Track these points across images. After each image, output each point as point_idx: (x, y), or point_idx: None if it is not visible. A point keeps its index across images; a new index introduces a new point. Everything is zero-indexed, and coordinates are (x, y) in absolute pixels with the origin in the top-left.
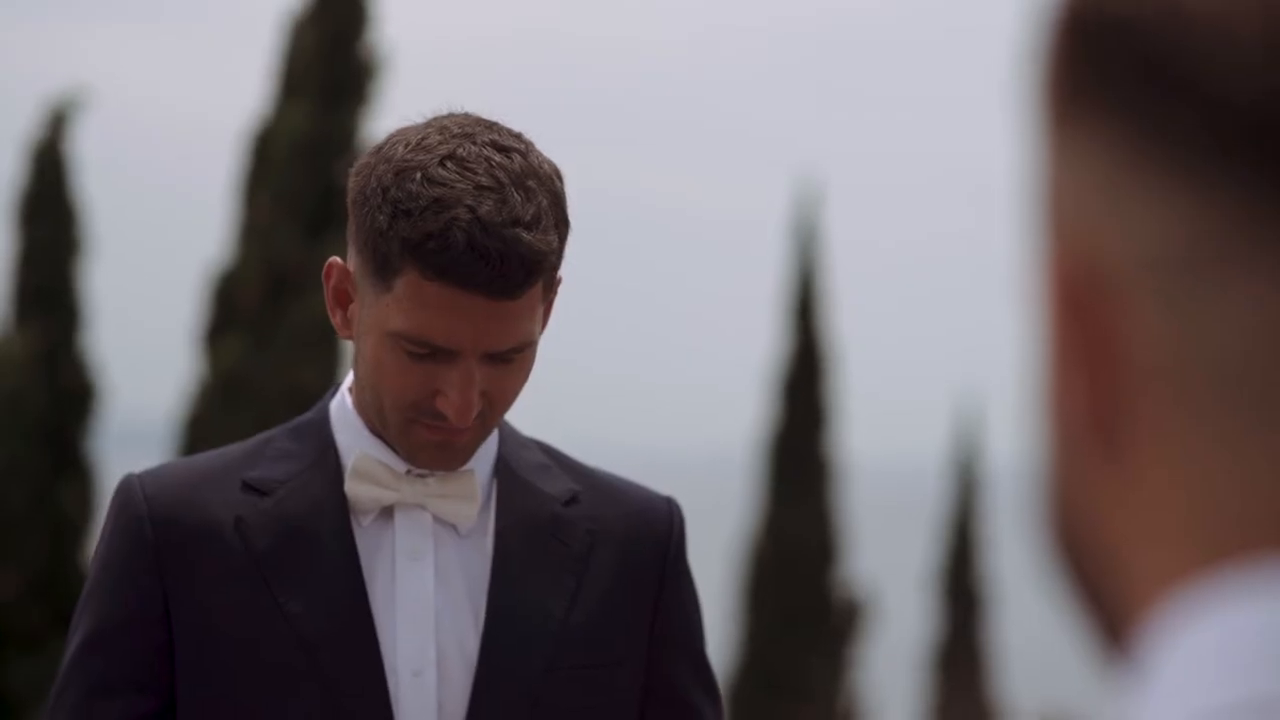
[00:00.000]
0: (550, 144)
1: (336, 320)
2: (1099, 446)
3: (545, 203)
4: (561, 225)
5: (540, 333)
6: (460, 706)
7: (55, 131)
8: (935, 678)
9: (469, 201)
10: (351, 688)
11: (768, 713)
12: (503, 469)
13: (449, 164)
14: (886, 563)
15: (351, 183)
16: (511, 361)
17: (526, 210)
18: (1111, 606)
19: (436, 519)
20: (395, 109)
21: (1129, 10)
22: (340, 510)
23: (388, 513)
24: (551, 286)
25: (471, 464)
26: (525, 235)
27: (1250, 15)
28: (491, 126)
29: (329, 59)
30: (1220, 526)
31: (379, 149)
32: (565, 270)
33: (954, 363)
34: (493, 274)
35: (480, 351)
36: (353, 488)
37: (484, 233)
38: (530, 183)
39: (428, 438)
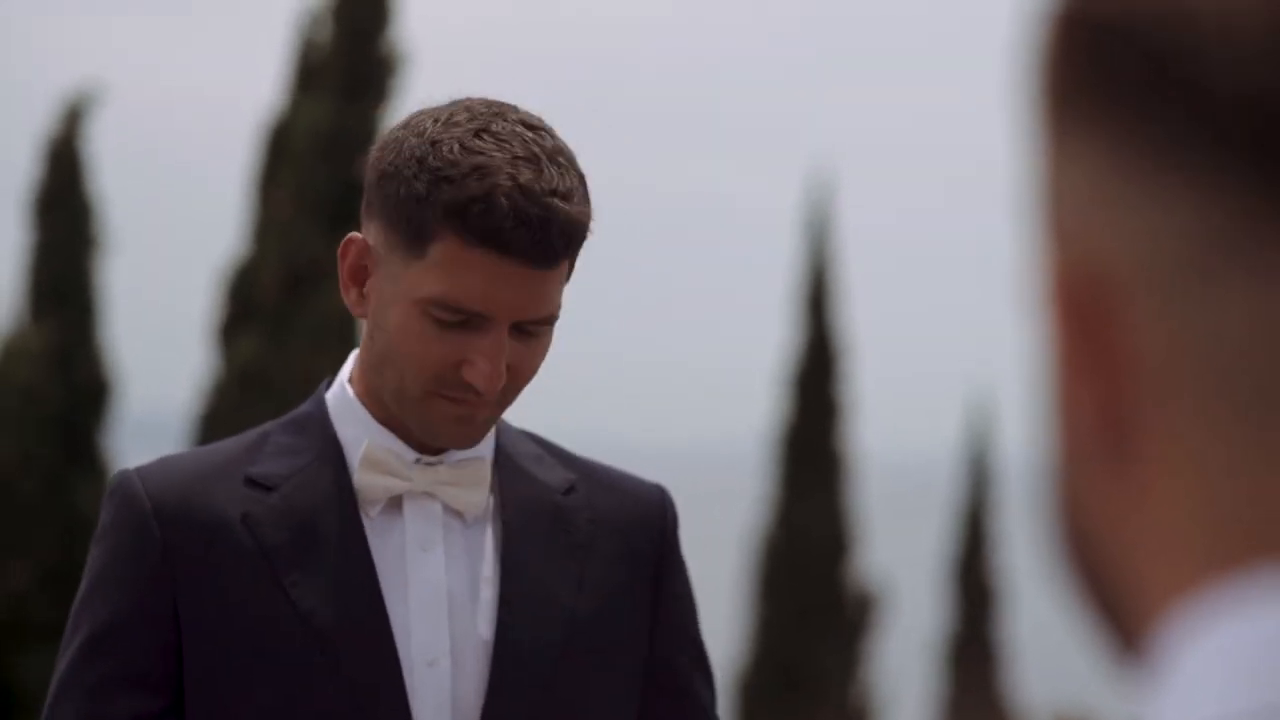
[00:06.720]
0: (565, 133)
1: (350, 298)
2: (1107, 453)
3: (576, 180)
4: (589, 204)
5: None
6: (475, 695)
7: (71, 127)
8: (948, 671)
9: (509, 170)
10: (367, 680)
11: (780, 706)
12: (503, 458)
13: (484, 135)
14: (899, 556)
15: (376, 157)
16: (536, 335)
17: (564, 182)
18: (1123, 614)
19: (445, 508)
20: (416, 105)
21: (1127, 8)
22: (349, 502)
23: (395, 504)
24: (574, 264)
25: (479, 451)
26: (564, 205)
27: (1252, 11)
28: (515, 108)
29: (350, 54)
30: (1229, 533)
31: (405, 124)
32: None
33: (967, 356)
34: (534, 240)
35: (512, 320)
36: (363, 478)
37: (526, 199)
38: (561, 159)
39: (448, 411)
